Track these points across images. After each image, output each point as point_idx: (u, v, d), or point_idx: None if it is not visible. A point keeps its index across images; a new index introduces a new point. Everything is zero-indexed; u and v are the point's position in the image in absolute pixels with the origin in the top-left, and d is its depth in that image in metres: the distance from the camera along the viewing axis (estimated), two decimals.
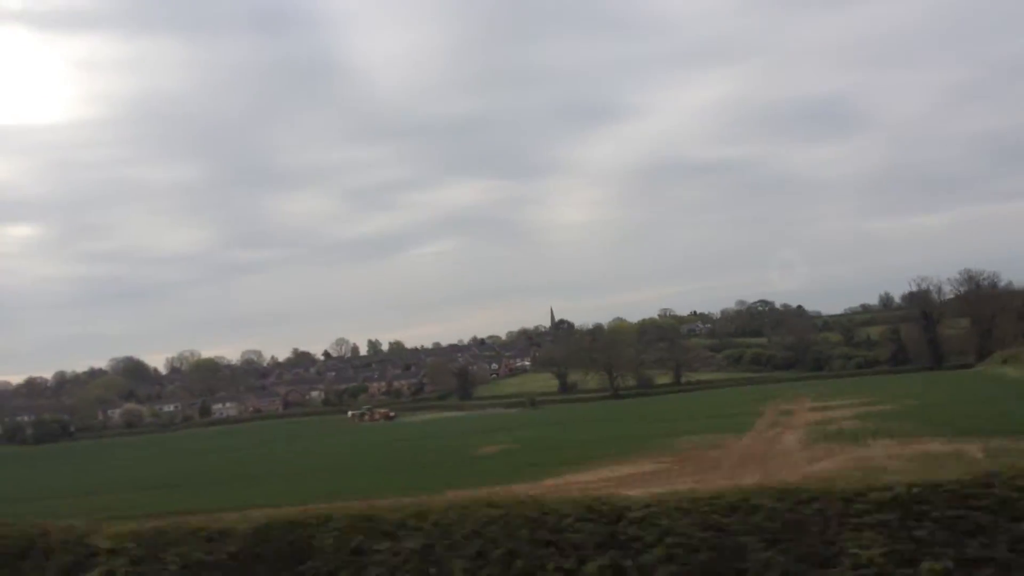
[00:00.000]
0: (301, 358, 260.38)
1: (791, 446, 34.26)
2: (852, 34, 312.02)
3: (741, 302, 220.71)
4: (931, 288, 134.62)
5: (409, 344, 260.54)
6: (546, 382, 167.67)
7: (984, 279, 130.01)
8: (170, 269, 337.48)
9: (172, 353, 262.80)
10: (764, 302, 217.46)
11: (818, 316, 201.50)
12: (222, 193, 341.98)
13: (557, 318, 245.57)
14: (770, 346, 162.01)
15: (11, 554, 9.13)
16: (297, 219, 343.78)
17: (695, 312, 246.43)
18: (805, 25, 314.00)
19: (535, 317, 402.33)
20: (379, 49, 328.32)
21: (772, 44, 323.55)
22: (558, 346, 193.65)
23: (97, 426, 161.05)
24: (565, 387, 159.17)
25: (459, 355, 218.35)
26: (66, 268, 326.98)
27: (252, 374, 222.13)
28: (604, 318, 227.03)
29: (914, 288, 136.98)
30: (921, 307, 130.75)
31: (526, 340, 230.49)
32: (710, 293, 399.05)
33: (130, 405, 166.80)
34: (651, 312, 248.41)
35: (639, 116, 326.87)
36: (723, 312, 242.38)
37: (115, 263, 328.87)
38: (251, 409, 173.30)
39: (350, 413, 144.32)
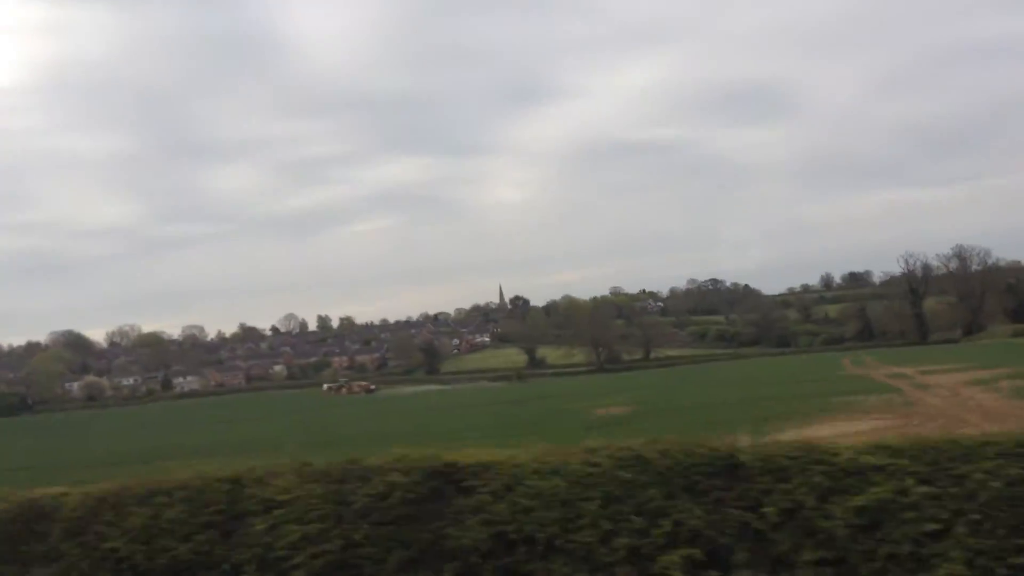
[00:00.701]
0: (248, 333, 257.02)
1: (998, 404, 30.77)
2: (783, 21, 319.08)
3: (692, 280, 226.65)
4: (915, 264, 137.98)
5: (359, 320, 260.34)
6: (510, 357, 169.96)
7: (976, 255, 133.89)
8: (99, 243, 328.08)
9: (111, 327, 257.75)
10: (715, 281, 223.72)
11: (777, 295, 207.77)
12: (152, 166, 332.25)
13: (507, 295, 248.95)
14: (734, 323, 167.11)
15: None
16: (231, 193, 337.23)
17: (644, 290, 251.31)
18: (738, 10, 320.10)
19: (477, 295, 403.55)
20: (317, 23, 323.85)
21: (705, 28, 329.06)
22: (519, 322, 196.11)
23: (57, 399, 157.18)
24: (534, 362, 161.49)
25: (413, 331, 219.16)
26: None
27: (201, 348, 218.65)
28: (550, 295, 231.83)
29: (901, 264, 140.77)
30: (908, 283, 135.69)
31: (481, 316, 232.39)
32: (650, 273, 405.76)
33: (91, 378, 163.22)
34: (595, 290, 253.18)
35: (575, 96, 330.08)
36: (672, 290, 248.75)
37: (40, 236, 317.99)
38: (213, 383, 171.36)
39: (325, 386, 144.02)
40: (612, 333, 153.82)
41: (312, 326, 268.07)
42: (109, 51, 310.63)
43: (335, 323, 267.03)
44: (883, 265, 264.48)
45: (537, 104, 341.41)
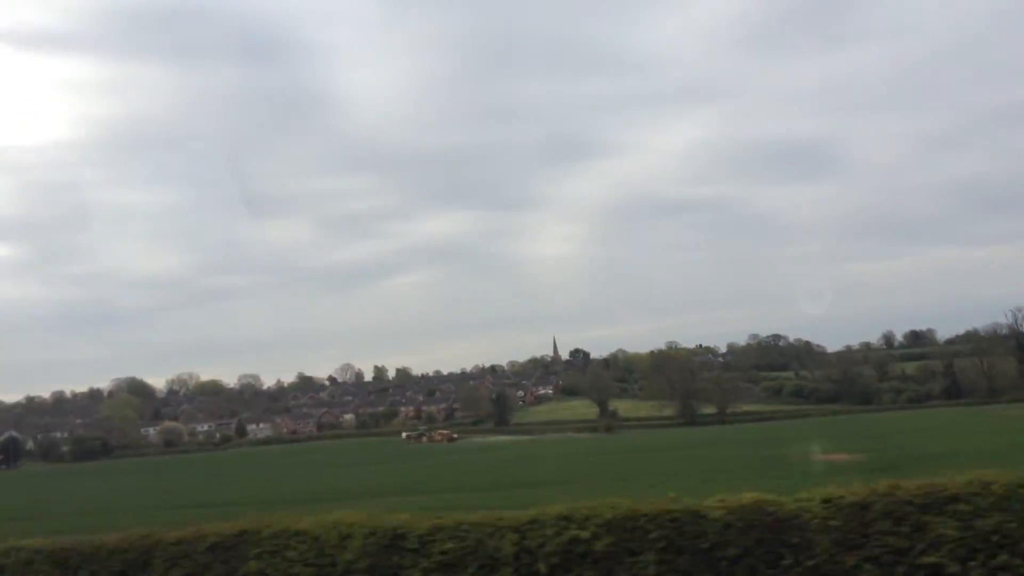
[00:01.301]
0: (306, 382, 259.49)
1: None
2: (830, 79, 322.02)
3: (753, 336, 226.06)
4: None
5: (415, 371, 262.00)
6: (579, 410, 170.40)
7: None
8: (152, 293, 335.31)
9: (169, 375, 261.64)
10: (776, 336, 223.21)
11: (840, 351, 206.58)
12: (203, 219, 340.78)
13: (563, 349, 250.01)
14: (810, 379, 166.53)
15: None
16: (280, 246, 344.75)
17: (700, 345, 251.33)
18: (784, 68, 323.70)
19: (525, 348, 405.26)
20: (366, 81, 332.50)
21: (751, 86, 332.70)
22: (580, 374, 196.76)
23: (135, 444, 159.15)
24: (605, 414, 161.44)
25: (472, 382, 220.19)
26: (40, 289, 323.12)
27: (264, 396, 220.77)
28: (601, 348, 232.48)
29: (1010, 318, 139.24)
30: (1016, 338, 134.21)
31: (540, 368, 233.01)
32: (697, 329, 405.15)
33: (169, 423, 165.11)
34: (647, 345, 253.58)
35: (618, 154, 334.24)
36: (730, 345, 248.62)
37: (95, 287, 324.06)
38: (285, 430, 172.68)
39: (404, 435, 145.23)
40: (700, 386, 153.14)
41: (368, 376, 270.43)
42: (166, 108, 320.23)
43: (391, 373, 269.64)
44: (937, 324, 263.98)
45: (581, 160, 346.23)
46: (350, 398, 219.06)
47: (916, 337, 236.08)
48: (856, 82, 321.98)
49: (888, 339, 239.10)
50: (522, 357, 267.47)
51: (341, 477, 68.94)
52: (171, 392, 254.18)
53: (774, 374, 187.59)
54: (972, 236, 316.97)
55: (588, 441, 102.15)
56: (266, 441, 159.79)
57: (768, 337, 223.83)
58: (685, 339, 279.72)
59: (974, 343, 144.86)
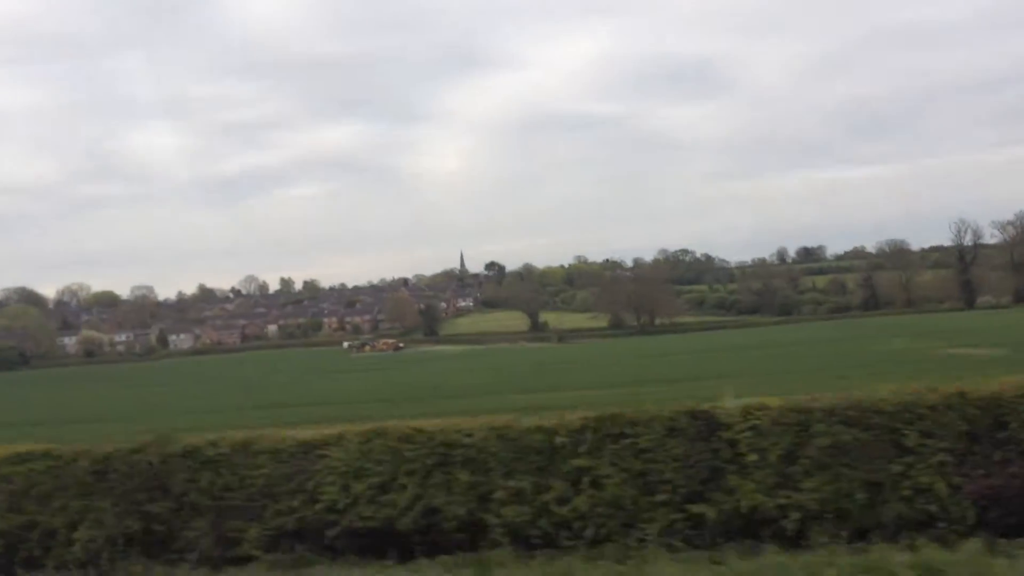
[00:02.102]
0: (206, 294, 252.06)
1: None
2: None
3: (662, 250, 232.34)
4: (965, 231, 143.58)
5: (324, 284, 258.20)
6: (503, 321, 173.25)
7: None
8: (17, 201, 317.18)
9: (58, 285, 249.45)
10: (684, 250, 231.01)
11: (744, 266, 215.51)
12: (71, 123, 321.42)
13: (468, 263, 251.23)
14: (736, 291, 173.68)
15: None
16: (155, 154, 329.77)
17: (608, 260, 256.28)
18: None
19: (422, 261, 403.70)
20: None
21: (648, 3, 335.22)
22: (507, 288, 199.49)
23: (54, 354, 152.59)
24: (537, 325, 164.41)
25: (385, 294, 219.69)
26: None
27: (167, 308, 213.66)
28: (507, 263, 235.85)
29: (953, 232, 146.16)
30: (958, 251, 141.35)
31: (456, 281, 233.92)
32: (597, 244, 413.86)
33: (88, 332, 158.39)
34: (551, 259, 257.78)
35: (518, 67, 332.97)
36: (636, 260, 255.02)
37: None
38: (207, 341, 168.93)
39: (346, 344, 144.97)
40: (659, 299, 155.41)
41: (272, 288, 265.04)
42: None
43: (298, 286, 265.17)
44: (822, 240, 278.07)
45: (480, 73, 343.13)
46: (263, 310, 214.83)
47: (808, 253, 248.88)
48: (748, 3, 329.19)
49: (781, 255, 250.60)
50: (427, 271, 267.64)
51: (356, 383, 69.02)
52: (61, 303, 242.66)
53: (687, 287, 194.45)
54: (852, 157, 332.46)
55: (591, 347, 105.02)
56: (196, 351, 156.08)
57: (676, 251, 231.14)
58: (589, 254, 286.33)
59: (893, 258, 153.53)
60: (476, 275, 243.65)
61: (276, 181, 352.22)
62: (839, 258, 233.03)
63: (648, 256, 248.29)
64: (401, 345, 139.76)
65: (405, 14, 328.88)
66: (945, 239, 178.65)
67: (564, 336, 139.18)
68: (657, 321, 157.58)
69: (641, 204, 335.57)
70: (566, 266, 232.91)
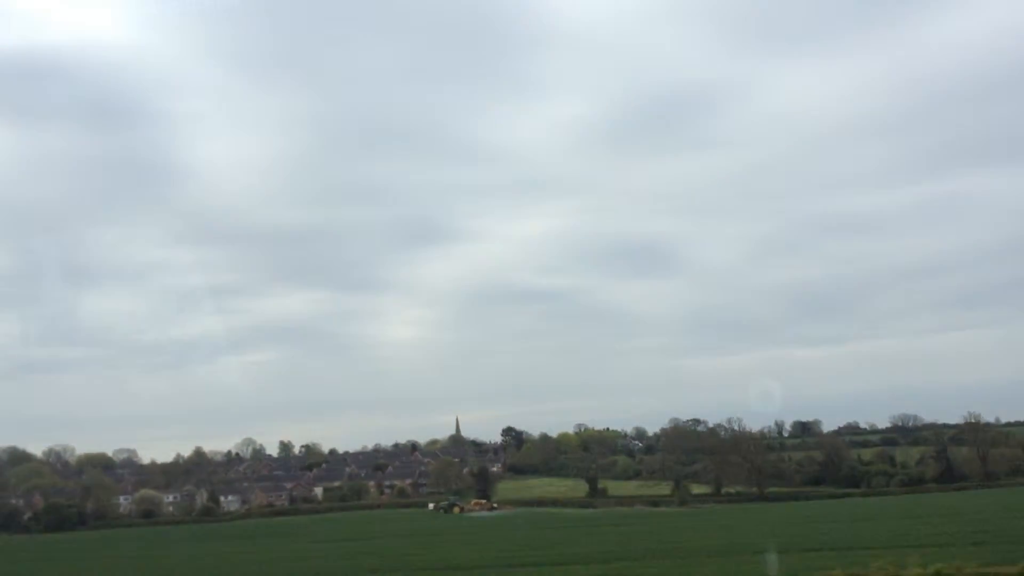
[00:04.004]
0: (201, 457, 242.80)
1: None
2: (673, 182, 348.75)
3: (674, 419, 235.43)
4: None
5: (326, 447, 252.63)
6: (562, 486, 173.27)
7: None
8: None
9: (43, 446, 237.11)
10: (696, 420, 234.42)
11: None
12: (30, 286, 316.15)
13: (419, 433, 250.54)
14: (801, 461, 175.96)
15: None
16: (112, 318, 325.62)
17: (608, 428, 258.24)
18: (631, 171, 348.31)
19: (387, 429, 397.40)
20: (220, 154, 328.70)
21: (601, 185, 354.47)
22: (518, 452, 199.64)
23: (112, 513, 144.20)
24: (595, 491, 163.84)
25: (397, 461, 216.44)
26: None
27: (191, 468, 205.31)
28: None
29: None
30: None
31: (471, 448, 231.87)
32: (548, 415, 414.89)
33: (147, 491, 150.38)
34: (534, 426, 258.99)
35: (473, 240, 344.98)
36: (636, 429, 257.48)
37: None
38: (257, 503, 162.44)
39: (431, 505, 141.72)
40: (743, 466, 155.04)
41: (269, 451, 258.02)
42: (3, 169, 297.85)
43: (296, 450, 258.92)
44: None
45: (436, 245, 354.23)
46: (281, 472, 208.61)
47: (803, 427, 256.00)
48: (697, 187, 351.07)
49: (779, 427, 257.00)
50: (386, 440, 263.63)
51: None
52: (49, 463, 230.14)
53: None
54: (799, 338, 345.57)
55: (740, 511, 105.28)
56: (267, 512, 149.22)
57: (688, 421, 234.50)
58: (536, 425, 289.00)
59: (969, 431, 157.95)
60: (485, 443, 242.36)
61: (233, 346, 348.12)
62: (835, 432, 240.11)
63: (620, 426, 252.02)
64: (495, 506, 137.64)
65: (363, 189, 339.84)
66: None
67: (686, 500, 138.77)
68: (723, 490, 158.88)
69: (591, 378, 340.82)
70: (583, 432, 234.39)
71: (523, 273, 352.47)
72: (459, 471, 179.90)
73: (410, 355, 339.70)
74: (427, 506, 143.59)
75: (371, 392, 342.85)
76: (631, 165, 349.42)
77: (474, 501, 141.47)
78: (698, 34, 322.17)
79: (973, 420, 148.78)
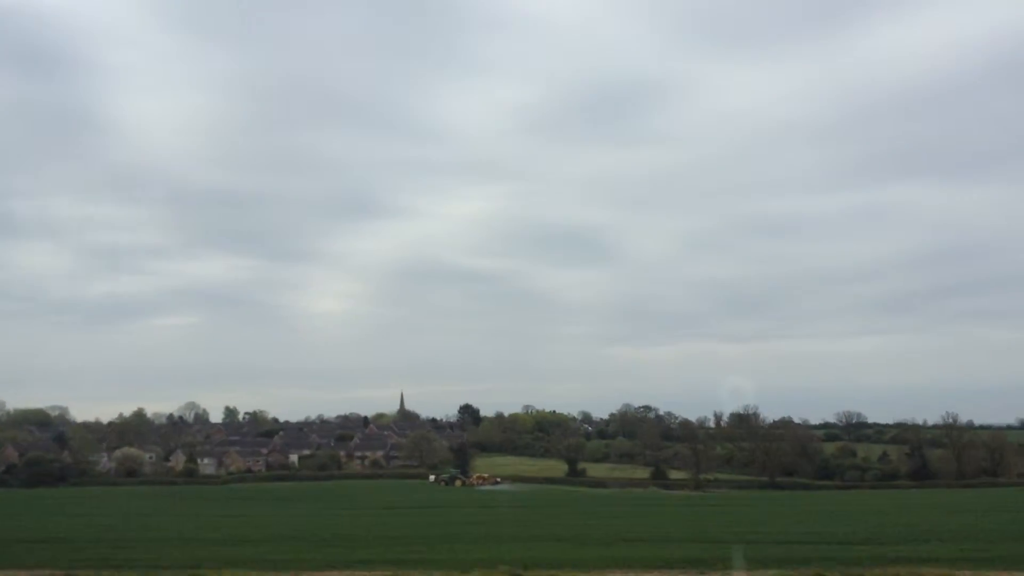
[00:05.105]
0: (140, 419, 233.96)
1: None
2: (608, 173, 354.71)
3: (627, 405, 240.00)
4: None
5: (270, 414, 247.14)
6: (529, 465, 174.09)
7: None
8: None
9: None
10: (647, 407, 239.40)
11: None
12: None
13: (350, 406, 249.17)
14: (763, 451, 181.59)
15: None
16: (28, 272, 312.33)
17: (554, 411, 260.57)
18: (569, 159, 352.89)
19: (311, 401, 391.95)
20: (152, 111, 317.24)
21: (538, 171, 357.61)
22: (559, 432, 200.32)
23: (92, 471, 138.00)
24: (575, 471, 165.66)
25: (358, 433, 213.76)
26: None
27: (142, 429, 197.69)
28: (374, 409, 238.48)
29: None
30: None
31: (412, 422, 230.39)
32: (459, 396, 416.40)
33: (129, 450, 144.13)
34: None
35: (407, 218, 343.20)
36: (583, 413, 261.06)
37: None
38: (232, 467, 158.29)
39: (432, 477, 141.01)
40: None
41: (212, 417, 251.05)
42: None
43: (240, 416, 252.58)
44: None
45: (368, 220, 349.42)
46: (237, 437, 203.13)
47: (741, 419, 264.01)
48: (634, 180, 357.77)
49: (718, 417, 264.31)
50: (323, 411, 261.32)
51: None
52: None
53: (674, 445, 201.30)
54: (720, 332, 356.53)
55: (762, 497, 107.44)
56: (239, 479, 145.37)
57: (639, 408, 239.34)
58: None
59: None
60: (435, 419, 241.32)
61: (156, 308, 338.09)
62: (772, 426, 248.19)
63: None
64: (498, 480, 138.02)
65: (299, 158, 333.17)
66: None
67: (702, 484, 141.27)
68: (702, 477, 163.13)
69: (520, 360, 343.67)
70: (537, 413, 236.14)
71: (455, 253, 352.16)
72: (432, 445, 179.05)
73: (339, 329, 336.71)
74: (427, 478, 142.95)
75: (298, 363, 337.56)
76: (571, 153, 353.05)
77: (477, 475, 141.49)
78: (648, 30, 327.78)
79: (950, 421, 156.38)
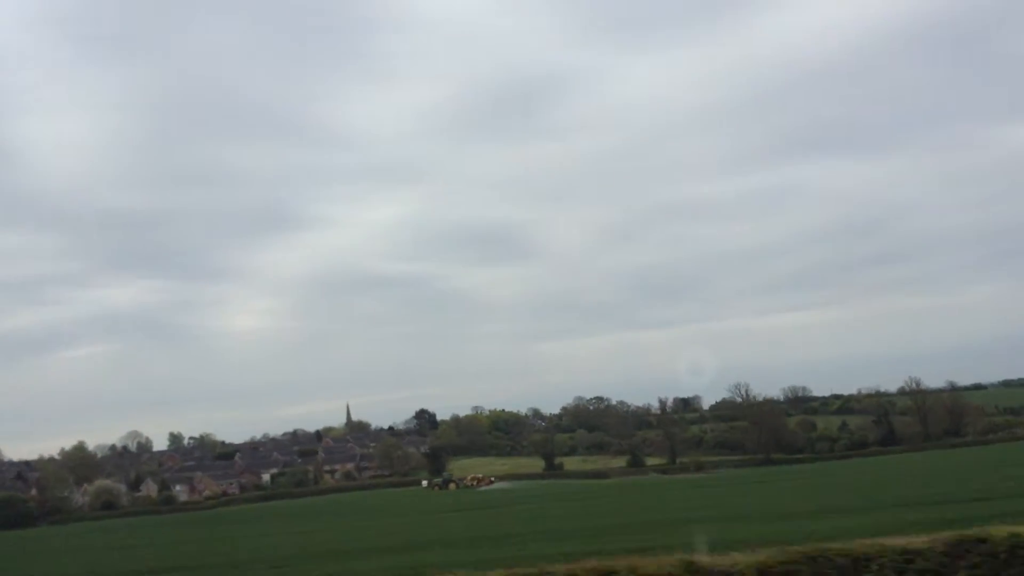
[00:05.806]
0: (81, 452, 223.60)
1: None
2: (520, 169, 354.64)
3: (579, 398, 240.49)
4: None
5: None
6: (504, 463, 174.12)
7: None
8: None
9: None
10: (599, 398, 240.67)
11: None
12: None
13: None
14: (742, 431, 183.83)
15: None
16: None
17: (504, 409, 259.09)
18: (480, 157, 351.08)
19: (237, 420, 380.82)
20: (47, 132, 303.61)
21: (450, 171, 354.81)
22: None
23: (67, 508, 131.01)
24: (552, 467, 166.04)
25: (291, 446, 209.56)
26: None
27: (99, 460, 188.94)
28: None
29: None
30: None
31: (386, 432, 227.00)
32: (399, 403, 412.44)
33: (104, 482, 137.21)
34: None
35: (321, 227, 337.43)
36: (533, 409, 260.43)
37: None
38: (207, 492, 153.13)
39: (425, 482, 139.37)
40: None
41: (156, 446, 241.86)
42: None
43: (185, 441, 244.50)
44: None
45: (281, 232, 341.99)
46: (192, 463, 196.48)
47: (684, 404, 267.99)
48: (546, 174, 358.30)
49: (663, 403, 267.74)
50: (251, 432, 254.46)
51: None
52: None
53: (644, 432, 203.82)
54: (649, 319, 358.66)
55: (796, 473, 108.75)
56: (226, 502, 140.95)
57: (592, 399, 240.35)
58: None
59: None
60: (391, 427, 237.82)
61: (64, 339, 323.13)
62: (713, 408, 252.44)
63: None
64: (492, 480, 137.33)
65: (203, 172, 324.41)
66: None
67: (702, 466, 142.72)
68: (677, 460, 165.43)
69: (450, 363, 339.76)
70: (494, 412, 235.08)
71: (372, 260, 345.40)
72: (403, 452, 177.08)
73: (264, 345, 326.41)
74: (420, 484, 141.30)
75: (228, 383, 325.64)
76: (480, 151, 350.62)
77: (471, 476, 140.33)
78: (548, 22, 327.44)
79: (914, 387, 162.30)
